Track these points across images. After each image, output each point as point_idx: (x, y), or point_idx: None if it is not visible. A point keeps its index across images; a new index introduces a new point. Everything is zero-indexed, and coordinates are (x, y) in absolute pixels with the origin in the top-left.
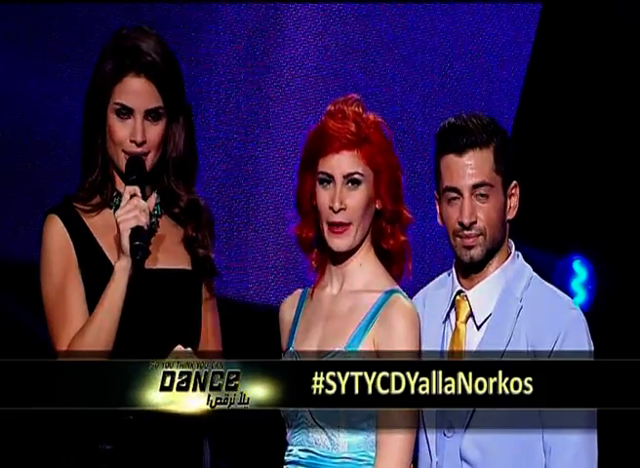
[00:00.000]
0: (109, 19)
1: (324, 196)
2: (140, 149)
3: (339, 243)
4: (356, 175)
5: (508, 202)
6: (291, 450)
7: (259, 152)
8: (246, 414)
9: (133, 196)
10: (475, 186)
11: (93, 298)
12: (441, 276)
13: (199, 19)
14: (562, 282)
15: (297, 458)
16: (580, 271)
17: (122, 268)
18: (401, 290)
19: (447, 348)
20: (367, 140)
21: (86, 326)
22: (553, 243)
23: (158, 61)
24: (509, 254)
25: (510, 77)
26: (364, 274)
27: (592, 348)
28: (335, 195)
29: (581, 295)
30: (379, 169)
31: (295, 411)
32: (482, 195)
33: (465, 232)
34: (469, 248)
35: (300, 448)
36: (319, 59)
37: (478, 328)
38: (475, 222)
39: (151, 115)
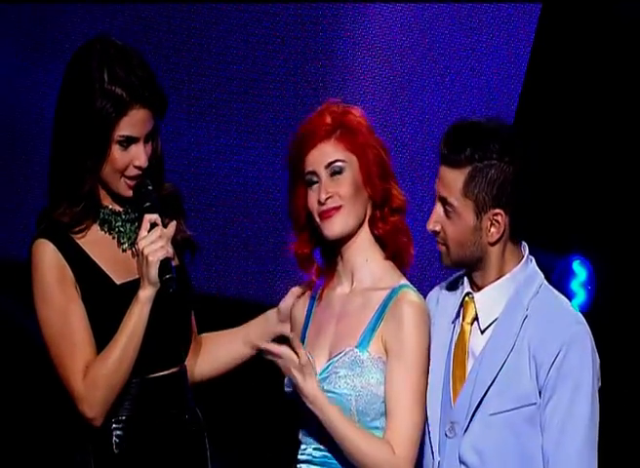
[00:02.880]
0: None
1: (313, 196)
2: (140, 172)
3: (331, 225)
4: (338, 163)
5: (486, 226)
6: (305, 449)
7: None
8: (254, 411)
9: (154, 225)
10: (442, 200)
11: (96, 316)
12: (457, 274)
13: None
14: (562, 282)
15: (310, 457)
16: (580, 271)
17: (147, 298)
18: (410, 284)
19: (452, 348)
20: (342, 126)
21: (108, 353)
22: (553, 243)
23: (161, 91)
24: (520, 261)
25: (510, 77)
26: (371, 269)
27: (597, 363)
28: (320, 188)
29: (581, 295)
30: (359, 150)
31: (308, 410)
32: (447, 210)
33: (436, 238)
34: (440, 254)
35: (314, 446)
36: (315, 65)
37: (482, 332)
38: (438, 232)
39: (148, 138)
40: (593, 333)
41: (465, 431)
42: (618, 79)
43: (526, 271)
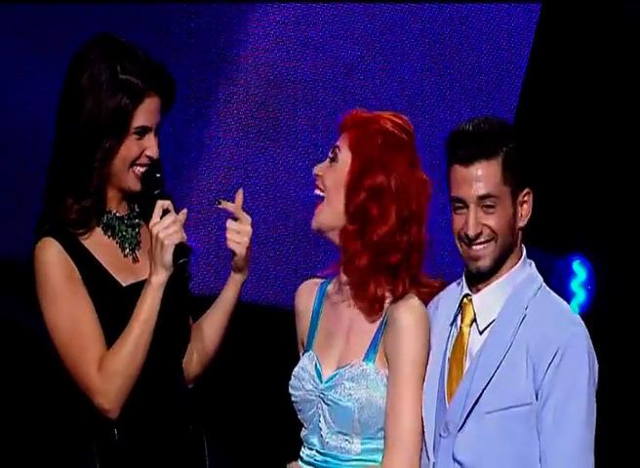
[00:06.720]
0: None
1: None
2: (149, 162)
3: None
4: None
5: (519, 209)
6: (309, 450)
7: (267, 159)
8: (253, 411)
9: (166, 211)
10: (481, 198)
11: (101, 317)
12: (457, 280)
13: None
14: (562, 282)
15: (312, 460)
16: (580, 271)
17: (160, 284)
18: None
19: (450, 351)
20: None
21: (121, 343)
22: (553, 243)
23: (173, 80)
24: (519, 261)
25: (510, 77)
26: None
27: (595, 366)
28: None
29: (581, 295)
30: None
31: (311, 416)
32: (488, 206)
33: (472, 244)
34: (476, 259)
35: (316, 449)
36: (313, 63)
37: (481, 332)
38: (481, 233)
39: (157, 130)
40: (593, 333)
41: (460, 429)
42: (618, 79)
43: (524, 272)
